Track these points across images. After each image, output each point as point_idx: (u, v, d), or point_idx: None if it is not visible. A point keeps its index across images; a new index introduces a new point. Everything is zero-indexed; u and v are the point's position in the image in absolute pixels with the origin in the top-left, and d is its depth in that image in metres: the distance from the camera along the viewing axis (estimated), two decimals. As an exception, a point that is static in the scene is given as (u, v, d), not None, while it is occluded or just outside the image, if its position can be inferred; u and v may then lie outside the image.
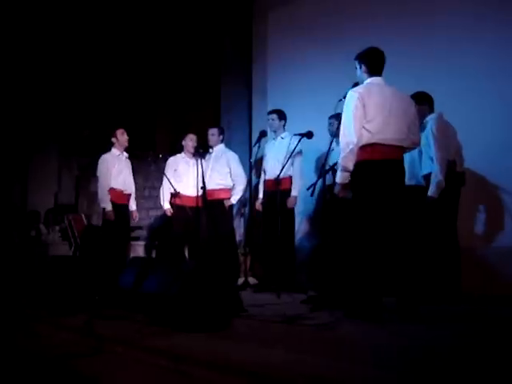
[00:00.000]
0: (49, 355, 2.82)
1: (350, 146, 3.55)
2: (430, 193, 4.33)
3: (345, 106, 3.66)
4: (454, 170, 4.54)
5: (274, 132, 5.72)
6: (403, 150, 3.71)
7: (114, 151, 5.97)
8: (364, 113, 3.55)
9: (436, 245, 4.41)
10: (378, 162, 3.56)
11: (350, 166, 3.58)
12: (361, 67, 3.75)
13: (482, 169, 5.06)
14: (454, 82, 5.21)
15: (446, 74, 5.25)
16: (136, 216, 6.23)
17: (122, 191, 5.95)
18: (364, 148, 3.58)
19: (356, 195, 3.67)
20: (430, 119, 4.53)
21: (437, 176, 4.32)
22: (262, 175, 5.83)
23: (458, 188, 4.62)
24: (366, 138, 3.56)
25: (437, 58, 5.34)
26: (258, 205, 5.77)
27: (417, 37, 5.52)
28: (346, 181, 3.64)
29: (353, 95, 3.61)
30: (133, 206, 6.18)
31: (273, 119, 5.67)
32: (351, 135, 3.55)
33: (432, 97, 4.62)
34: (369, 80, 3.72)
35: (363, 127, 3.56)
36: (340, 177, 3.66)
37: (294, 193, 5.47)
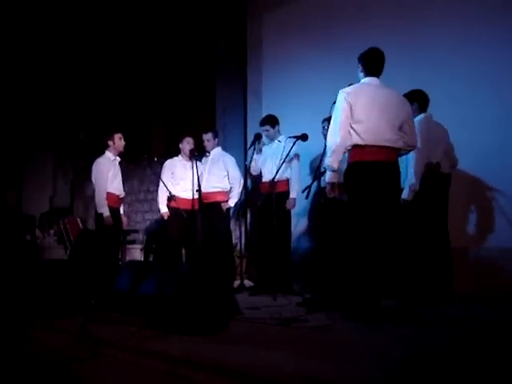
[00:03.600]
0: (45, 359, 2.81)
1: (333, 147, 3.59)
2: (403, 195, 4.24)
3: (335, 107, 3.68)
4: (437, 171, 4.55)
5: (272, 140, 5.71)
6: (397, 151, 3.70)
7: (109, 155, 5.86)
8: (351, 113, 3.56)
9: (427, 246, 4.40)
10: (369, 163, 3.56)
11: (335, 166, 3.62)
12: (359, 67, 3.78)
13: (476, 170, 5.08)
14: (452, 84, 5.23)
15: (443, 76, 5.26)
16: (124, 221, 6.16)
17: (118, 195, 5.91)
18: (355, 149, 3.60)
19: (350, 196, 3.69)
20: (415, 121, 4.50)
21: (410, 179, 4.27)
22: (249, 168, 5.82)
23: (444, 189, 4.64)
24: (356, 139, 3.57)
25: (435, 60, 5.35)
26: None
27: (415, 38, 5.53)
28: (335, 180, 3.70)
29: (341, 95, 3.64)
30: (120, 210, 6.11)
31: (267, 130, 5.66)
32: (335, 135, 3.59)
33: (426, 95, 4.60)
34: (363, 80, 3.74)
35: (352, 128, 3.57)
36: (328, 176, 3.73)
37: (292, 195, 5.48)
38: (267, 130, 5.67)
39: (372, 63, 3.73)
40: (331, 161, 3.62)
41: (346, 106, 3.57)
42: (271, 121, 5.67)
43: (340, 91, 3.67)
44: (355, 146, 3.60)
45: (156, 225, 7.85)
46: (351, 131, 3.58)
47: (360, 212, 3.58)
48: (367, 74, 3.73)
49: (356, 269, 3.54)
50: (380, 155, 3.58)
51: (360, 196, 3.59)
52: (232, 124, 7.44)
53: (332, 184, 3.74)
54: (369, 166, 3.57)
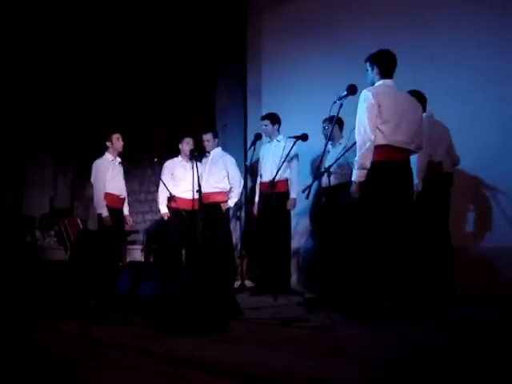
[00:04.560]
0: (46, 360, 2.81)
1: (368, 144, 3.54)
2: None
3: (359, 106, 3.64)
4: (439, 170, 4.55)
5: (269, 137, 5.73)
6: (410, 152, 3.73)
7: (108, 156, 5.90)
8: (378, 112, 3.55)
9: (429, 246, 4.40)
10: (390, 163, 3.58)
11: (368, 164, 3.56)
12: (373, 69, 3.75)
13: (477, 170, 5.07)
14: (454, 82, 5.21)
15: (445, 75, 5.23)
16: (130, 220, 6.19)
17: (118, 196, 5.92)
18: (376, 149, 3.57)
19: (366, 195, 3.63)
20: None
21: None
22: (258, 178, 5.84)
23: (446, 188, 4.63)
24: (380, 139, 3.56)
25: (436, 59, 5.33)
26: (255, 208, 5.76)
27: (416, 37, 5.49)
28: (363, 179, 3.60)
29: (368, 94, 3.59)
30: (125, 210, 6.13)
31: (266, 125, 5.68)
32: (368, 133, 3.55)
33: (425, 96, 4.60)
34: (381, 82, 3.71)
35: (377, 127, 3.56)
36: (356, 175, 3.62)
37: (292, 195, 5.48)
38: (266, 125, 5.68)
39: (387, 65, 3.72)
40: (364, 159, 3.55)
41: (374, 105, 3.55)
42: (272, 117, 5.69)
43: (365, 91, 3.64)
44: (377, 146, 3.57)
45: (156, 225, 7.83)
46: (376, 131, 3.57)
47: (377, 210, 3.56)
48: (384, 76, 3.71)
49: (365, 268, 3.53)
50: (397, 156, 3.60)
51: (379, 195, 3.57)
52: (232, 124, 7.43)
53: (359, 183, 3.63)
54: (389, 166, 3.58)
